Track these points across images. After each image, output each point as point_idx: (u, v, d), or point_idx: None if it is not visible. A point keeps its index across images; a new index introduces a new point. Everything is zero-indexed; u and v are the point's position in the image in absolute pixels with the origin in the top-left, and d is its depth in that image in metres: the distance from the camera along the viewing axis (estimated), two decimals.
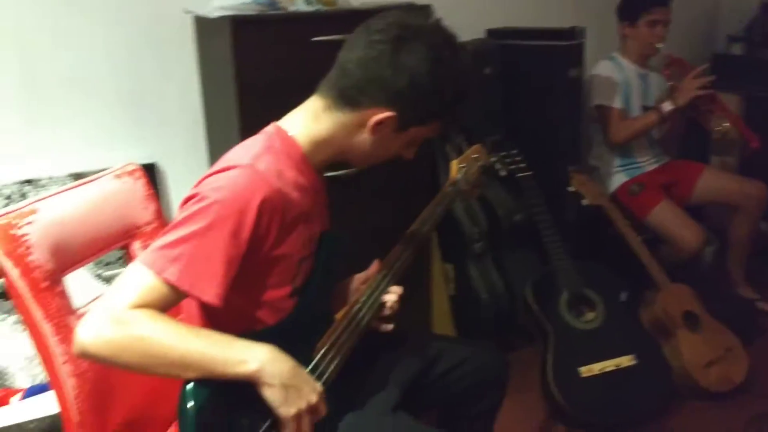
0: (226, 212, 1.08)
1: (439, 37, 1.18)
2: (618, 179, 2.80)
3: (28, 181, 2.02)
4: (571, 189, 2.47)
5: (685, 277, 2.51)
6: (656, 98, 2.81)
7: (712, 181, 2.81)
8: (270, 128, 1.24)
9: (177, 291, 1.06)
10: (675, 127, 2.84)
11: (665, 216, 2.65)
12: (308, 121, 1.23)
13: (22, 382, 2.02)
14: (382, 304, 1.34)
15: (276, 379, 1.05)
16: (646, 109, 2.80)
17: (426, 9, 2.07)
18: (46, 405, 1.74)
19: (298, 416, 1.07)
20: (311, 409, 1.09)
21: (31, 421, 1.69)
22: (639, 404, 2.16)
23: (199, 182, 1.15)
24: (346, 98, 1.19)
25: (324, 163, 1.28)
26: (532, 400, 2.25)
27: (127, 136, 2.20)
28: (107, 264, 2.12)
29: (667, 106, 2.62)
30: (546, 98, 2.61)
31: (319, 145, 1.23)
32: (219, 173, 1.13)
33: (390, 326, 1.36)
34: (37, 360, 2.02)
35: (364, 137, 1.21)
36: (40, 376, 2.04)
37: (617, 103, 2.72)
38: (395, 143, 1.25)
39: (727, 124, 2.74)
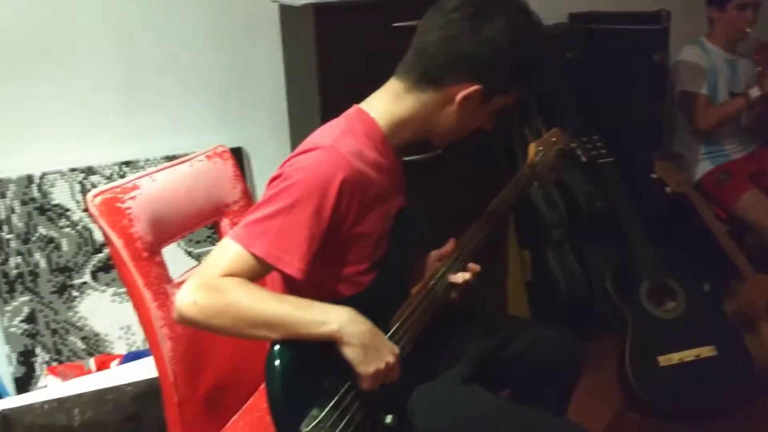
0: (309, 191, 1.14)
1: (512, 5, 1.21)
2: (703, 167, 2.73)
3: (126, 163, 2.17)
4: (654, 176, 2.42)
5: None
6: (745, 84, 2.71)
7: None
8: (351, 111, 1.29)
9: (263, 263, 1.13)
10: (764, 113, 2.73)
11: (753, 205, 2.57)
12: (389, 103, 1.27)
13: (120, 349, 2.18)
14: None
15: (356, 338, 1.11)
16: (733, 95, 2.71)
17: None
18: (141, 370, 1.88)
19: (376, 374, 1.12)
20: (388, 369, 1.14)
21: (128, 384, 1.83)
22: (717, 396, 2.12)
23: (284, 163, 1.21)
24: (428, 78, 1.23)
25: (404, 144, 1.32)
26: (609, 388, 2.23)
27: (216, 121, 2.31)
28: (197, 242, 2.25)
29: (755, 92, 2.54)
30: (629, 83, 2.57)
31: (400, 125, 1.27)
32: (302, 154, 1.19)
33: (458, 296, 1.39)
34: (133, 329, 2.18)
35: (450, 114, 1.25)
36: (137, 344, 2.20)
37: (703, 90, 2.65)
38: (479, 115, 1.29)
39: None
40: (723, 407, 2.13)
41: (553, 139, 1.71)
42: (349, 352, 1.11)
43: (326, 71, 1.97)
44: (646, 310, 2.20)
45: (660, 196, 2.48)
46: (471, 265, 1.39)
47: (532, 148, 1.66)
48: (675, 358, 2.12)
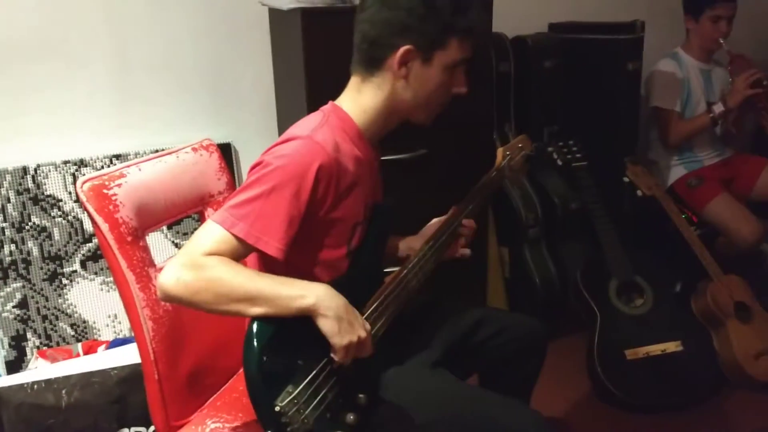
0: (288, 176, 1.22)
1: None
2: (677, 172, 2.81)
3: (117, 156, 2.24)
4: (626, 179, 2.51)
5: (745, 272, 2.51)
6: (720, 94, 2.80)
7: None
8: (327, 106, 1.38)
9: (245, 244, 1.21)
10: (738, 124, 2.82)
11: (722, 209, 2.65)
12: (354, 97, 1.37)
13: (107, 336, 2.25)
14: (458, 234, 1.55)
15: (331, 311, 1.18)
16: (710, 104, 2.79)
17: (488, 3, 2.17)
18: (127, 356, 1.95)
19: (349, 346, 1.20)
20: (360, 343, 1.21)
21: (113, 368, 1.90)
22: (683, 389, 2.20)
23: (266, 152, 1.29)
24: (372, 62, 1.33)
25: (379, 134, 1.41)
26: (579, 381, 2.32)
27: (206, 117, 2.40)
28: (184, 234, 2.32)
29: (719, 108, 2.64)
30: (604, 91, 2.66)
31: (369, 115, 1.36)
32: (282, 144, 1.27)
33: (467, 251, 1.55)
34: (120, 317, 2.25)
35: (401, 85, 1.34)
36: (123, 332, 2.27)
37: (673, 105, 2.73)
38: (432, 77, 1.34)
39: None
40: (687, 401, 2.21)
41: (520, 145, 1.81)
42: (325, 324, 1.18)
43: (313, 72, 2.04)
44: (615, 307, 2.28)
45: (632, 199, 2.57)
46: (467, 221, 1.57)
47: (500, 152, 1.76)
48: (641, 352, 2.20)
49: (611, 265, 2.36)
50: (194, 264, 1.17)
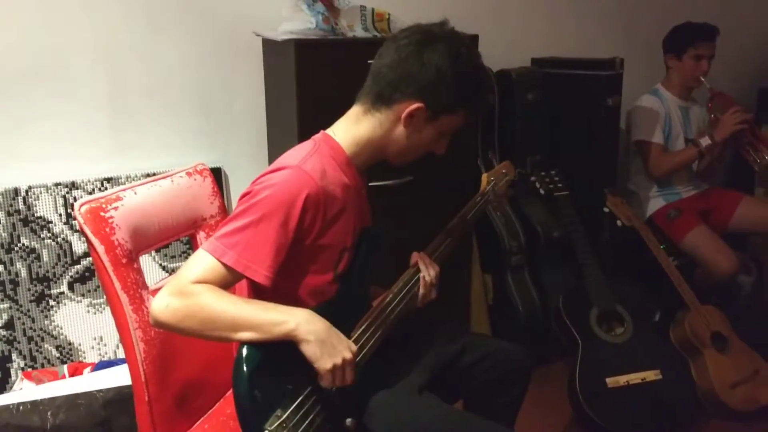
0: (276, 205, 1.26)
1: (456, 39, 1.37)
2: (656, 203, 2.89)
3: (108, 179, 2.27)
4: (606, 210, 2.57)
5: (722, 304, 2.57)
6: (696, 131, 2.89)
7: (750, 211, 2.86)
8: (318, 135, 1.43)
9: (234, 272, 1.24)
10: (715, 161, 2.91)
11: (700, 240, 2.72)
12: (350, 126, 1.42)
13: (92, 358, 2.25)
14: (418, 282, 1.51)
15: (312, 335, 1.21)
16: (688, 141, 2.88)
17: (473, 38, 2.24)
18: (112, 378, 1.95)
19: (333, 370, 1.22)
20: (345, 365, 1.24)
21: (99, 391, 1.90)
22: (662, 417, 2.23)
23: (255, 181, 1.33)
24: (381, 98, 1.37)
25: (366, 164, 1.45)
26: (561, 408, 2.35)
27: (197, 143, 2.43)
28: (172, 257, 2.34)
29: (706, 141, 2.72)
30: (585, 123, 2.74)
31: (361, 146, 1.41)
32: (271, 173, 1.31)
33: (433, 294, 1.52)
34: (105, 340, 2.26)
35: (400, 131, 1.39)
36: (108, 354, 2.27)
37: (657, 138, 2.81)
38: (428, 134, 1.40)
39: None
40: (666, 428, 2.24)
41: (504, 171, 1.87)
42: (307, 349, 1.21)
43: (304, 101, 2.09)
44: (596, 335, 2.33)
45: (612, 229, 2.63)
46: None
47: (484, 178, 1.81)
48: (622, 380, 2.24)
49: (592, 294, 2.41)
50: (182, 291, 1.21)
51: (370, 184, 1.60)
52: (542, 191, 2.53)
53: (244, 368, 1.19)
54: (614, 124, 2.72)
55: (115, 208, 1.41)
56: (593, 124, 2.70)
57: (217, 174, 2.39)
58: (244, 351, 1.20)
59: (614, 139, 2.75)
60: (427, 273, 1.50)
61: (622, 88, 2.67)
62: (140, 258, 1.47)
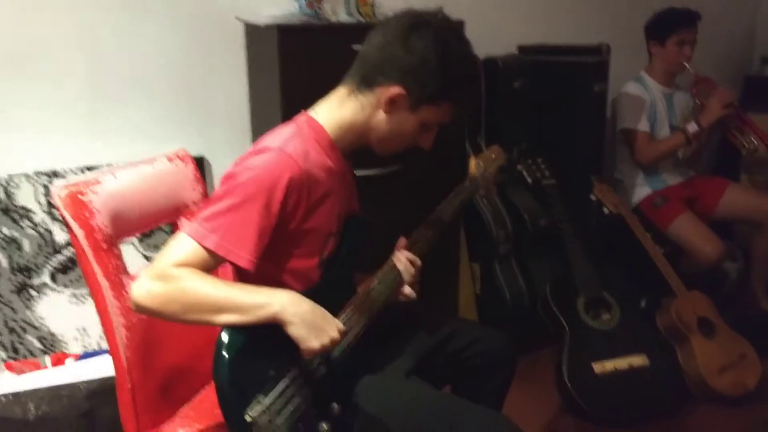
0: (258, 189, 1.24)
1: (446, 26, 1.34)
2: (642, 192, 2.89)
3: (89, 168, 2.23)
4: (592, 197, 2.57)
5: (708, 291, 2.58)
6: (681, 117, 2.89)
7: (736, 198, 2.87)
8: (300, 117, 1.40)
9: (215, 256, 1.22)
10: (701, 147, 2.92)
11: (686, 228, 2.72)
12: (333, 107, 1.39)
13: (75, 350, 2.22)
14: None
15: (297, 317, 1.19)
16: (672, 127, 2.88)
17: (459, 24, 2.22)
18: (96, 369, 1.93)
19: (322, 350, 1.20)
20: (334, 344, 1.22)
21: (82, 382, 1.88)
22: (649, 403, 2.24)
23: (237, 163, 1.30)
24: (365, 81, 1.34)
25: (350, 148, 1.43)
26: (548, 395, 2.35)
27: (179, 131, 2.40)
28: (155, 246, 2.31)
29: (692, 127, 2.72)
30: (572, 111, 2.73)
31: (344, 129, 1.38)
32: (253, 156, 1.29)
33: (410, 291, 1.48)
34: (89, 331, 2.23)
35: (381, 117, 1.36)
36: (92, 345, 2.24)
37: (643, 126, 2.81)
38: (409, 124, 1.37)
39: (755, 141, 2.80)
40: (653, 414, 2.25)
41: (493, 156, 1.84)
42: (293, 331, 1.19)
43: (288, 88, 2.07)
44: (583, 322, 2.33)
45: (598, 217, 2.63)
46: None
47: (472, 162, 1.79)
48: (609, 366, 2.24)
49: (579, 281, 2.41)
50: (164, 275, 1.18)
51: (357, 173, 1.58)
52: (529, 180, 2.52)
53: (225, 354, 1.17)
54: (601, 111, 2.72)
55: (95, 192, 1.38)
56: (580, 112, 2.70)
57: (199, 163, 2.35)
58: (225, 337, 1.18)
59: (601, 126, 2.75)
60: (407, 273, 1.47)
61: (609, 75, 2.67)
62: (122, 246, 1.44)
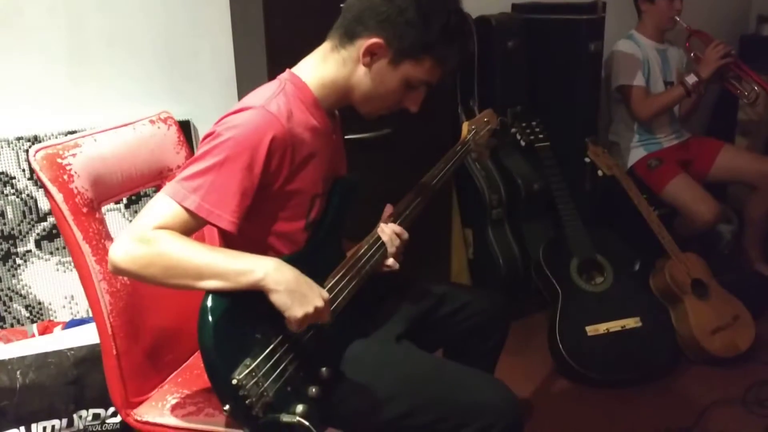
0: (240, 148, 1.19)
1: None
2: (637, 153, 2.86)
3: (72, 132, 2.18)
4: (587, 160, 2.54)
5: (702, 253, 2.57)
6: (677, 71, 2.85)
7: (730, 160, 2.85)
8: (284, 74, 1.35)
9: (196, 218, 1.18)
10: (698, 100, 2.88)
11: (681, 189, 2.70)
12: (317, 64, 1.34)
13: (63, 318, 2.20)
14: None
15: (281, 285, 1.15)
16: (667, 83, 2.84)
17: None
18: (84, 336, 1.90)
19: (304, 319, 1.16)
20: (318, 313, 1.18)
21: (70, 349, 1.85)
22: (642, 364, 2.25)
23: (218, 122, 1.26)
24: (346, 33, 1.30)
25: (335, 107, 1.39)
26: (541, 358, 2.35)
27: (163, 94, 2.34)
28: None
29: (692, 79, 2.67)
30: (567, 71, 2.69)
31: (327, 86, 1.33)
32: (234, 114, 1.24)
33: (393, 262, 1.44)
34: (77, 299, 2.20)
35: (362, 72, 1.31)
36: (80, 313, 2.22)
37: (639, 81, 2.77)
38: (391, 80, 1.31)
39: (757, 88, 2.76)
40: (646, 375, 2.26)
41: (486, 119, 1.80)
42: (276, 298, 1.15)
43: (274, 47, 2.00)
44: (576, 284, 2.32)
45: (592, 179, 2.60)
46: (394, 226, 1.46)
47: (465, 126, 1.74)
48: (602, 328, 2.24)
49: (572, 244, 2.39)
50: (143, 238, 1.14)
51: (346, 137, 1.53)
52: (523, 143, 2.49)
53: (209, 318, 1.14)
54: (596, 70, 2.67)
55: (74, 155, 1.34)
56: (575, 71, 2.66)
57: (185, 127, 2.31)
58: (209, 301, 1.15)
59: (596, 86, 2.71)
60: (392, 245, 1.43)
61: (605, 33, 2.61)
62: (108, 214, 1.41)
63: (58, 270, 2.19)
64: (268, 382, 1.16)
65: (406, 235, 1.46)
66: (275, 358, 1.19)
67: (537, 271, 2.41)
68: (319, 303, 1.18)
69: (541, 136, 2.49)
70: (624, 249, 2.45)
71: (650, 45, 2.84)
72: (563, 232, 2.42)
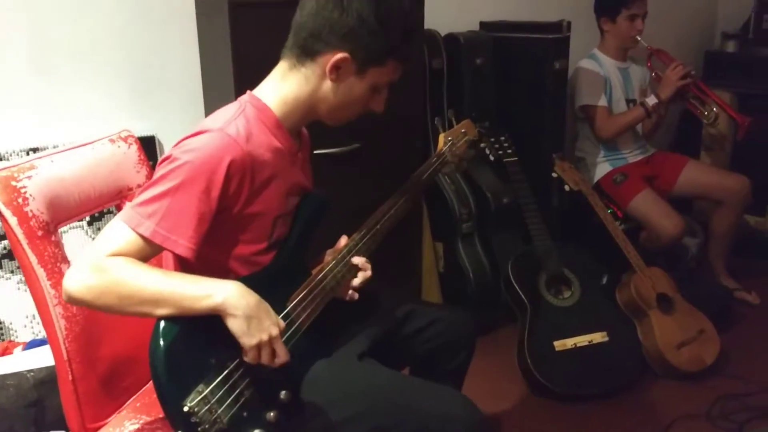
0: (197, 172, 1.17)
1: None
2: (602, 169, 2.89)
3: (35, 149, 2.14)
4: (554, 175, 2.56)
5: (668, 267, 2.60)
6: (639, 89, 2.89)
7: (694, 175, 2.88)
8: (244, 96, 1.34)
9: (152, 244, 1.16)
10: (661, 119, 2.92)
11: (646, 204, 2.73)
12: (276, 84, 1.33)
13: (25, 338, 2.15)
14: (354, 270, 1.43)
15: (239, 310, 1.13)
16: (629, 102, 2.88)
17: (419, 1, 2.17)
18: (44, 357, 1.87)
19: (258, 346, 1.15)
20: (271, 341, 1.17)
21: (29, 371, 1.81)
22: (609, 379, 2.26)
23: (175, 145, 1.24)
24: (305, 51, 1.28)
25: (299, 125, 1.38)
26: (510, 372, 2.36)
27: (130, 109, 2.31)
28: None
29: (652, 100, 2.71)
30: (533, 88, 2.71)
31: (290, 105, 1.32)
32: (192, 137, 1.22)
33: (355, 295, 1.44)
34: (39, 318, 2.15)
35: (328, 86, 1.30)
36: (42, 333, 2.17)
37: (602, 101, 2.80)
38: (358, 89, 1.31)
39: (716, 109, 2.81)
40: (613, 390, 2.27)
41: (463, 130, 1.79)
42: (233, 323, 1.14)
43: (242, 64, 1.99)
44: (544, 299, 2.33)
45: (560, 194, 2.62)
46: (361, 261, 1.44)
47: (441, 138, 1.74)
48: (569, 343, 2.25)
49: (541, 258, 2.40)
50: (96, 266, 1.12)
51: (315, 152, 1.51)
52: (492, 157, 2.49)
53: (161, 343, 1.12)
54: (562, 87, 2.70)
55: (29, 177, 1.32)
56: (541, 89, 2.68)
57: (150, 143, 2.29)
58: (161, 324, 1.13)
59: (562, 103, 2.74)
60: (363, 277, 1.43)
61: (570, 52, 2.64)
62: (68, 233, 1.38)
63: (19, 289, 2.15)
64: (222, 408, 1.14)
65: (369, 274, 1.44)
66: (230, 382, 1.17)
67: (506, 284, 2.42)
68: (274, 331, 1.17)
69: (509, 151, 2.50)
70: (591, 263, 2.47)
71: (612, 64, 2.88)
72: (532, 246, 2.43)
